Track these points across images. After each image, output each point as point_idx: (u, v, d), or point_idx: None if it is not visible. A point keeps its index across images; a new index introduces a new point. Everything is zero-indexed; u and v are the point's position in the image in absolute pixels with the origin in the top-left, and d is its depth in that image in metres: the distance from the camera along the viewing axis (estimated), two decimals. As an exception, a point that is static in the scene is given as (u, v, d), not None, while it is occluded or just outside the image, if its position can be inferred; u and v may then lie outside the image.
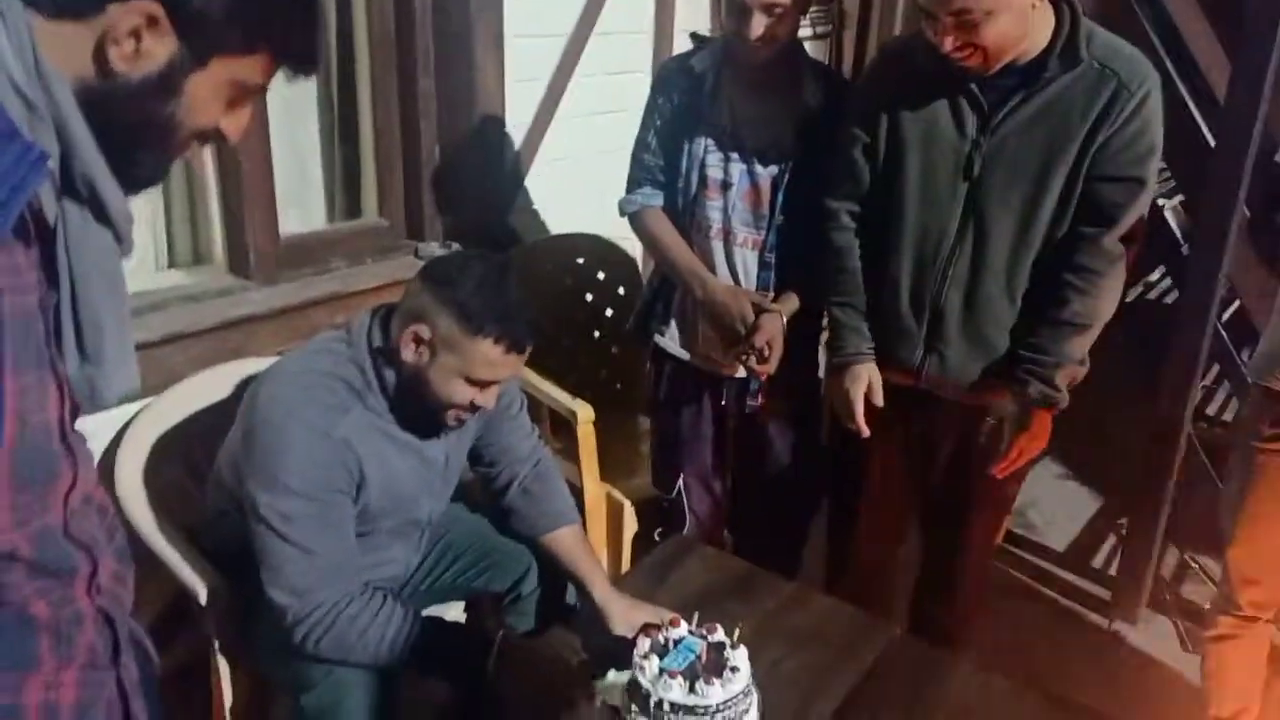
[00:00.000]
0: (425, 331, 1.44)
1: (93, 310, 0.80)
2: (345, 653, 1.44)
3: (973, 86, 1.59)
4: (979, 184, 1.62)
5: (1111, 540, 3.11)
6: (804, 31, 2.84)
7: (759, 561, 2.02)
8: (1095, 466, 3.46)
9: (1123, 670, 2.51)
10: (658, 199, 1.97)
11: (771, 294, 1.92)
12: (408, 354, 1.46)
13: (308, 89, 2.31)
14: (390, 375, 1.50)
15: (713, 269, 1.94)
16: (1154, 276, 3.10)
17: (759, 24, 1.72)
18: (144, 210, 2.07)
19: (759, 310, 1.85)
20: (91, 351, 0.82)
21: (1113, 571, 2.86)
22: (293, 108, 2.28)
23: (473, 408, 1.51)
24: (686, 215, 1.95)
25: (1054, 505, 3.32)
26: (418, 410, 1.53)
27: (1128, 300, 3.05)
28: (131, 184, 0.83)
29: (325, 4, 1.96)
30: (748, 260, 1.93)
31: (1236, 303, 2.98)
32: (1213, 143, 2.46)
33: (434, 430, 1.58)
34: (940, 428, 1.83)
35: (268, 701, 1.69)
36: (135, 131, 0.81)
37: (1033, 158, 1.58)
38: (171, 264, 2.17)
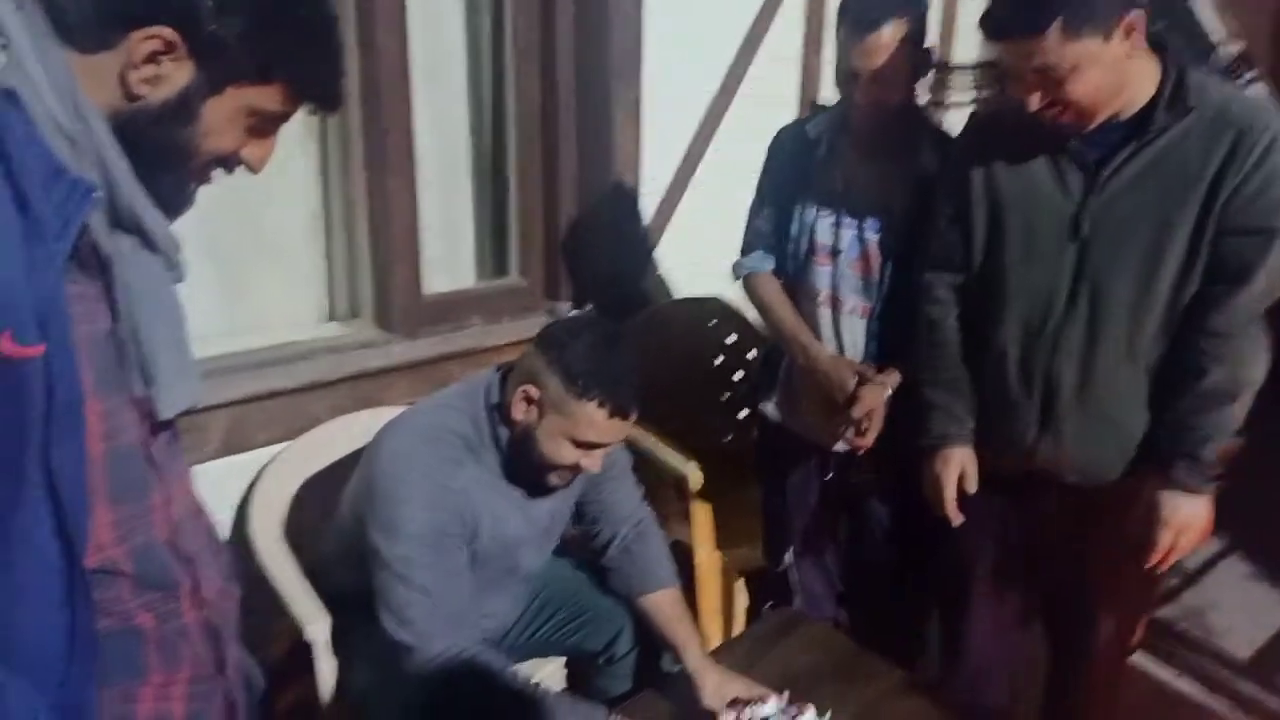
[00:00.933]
0: (535, 392, 1.50)
1: (149, 334, 0.87)
2: (458, 704, 1.47)
3: (1074, 143, 1.50)
4: (1089, 245, 1.51)
5: (1304, 651, 2.75)
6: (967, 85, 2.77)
7: (872, 644, 1.93)
8: (1288, 565, 3.09)
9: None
10: (769, 263, 1.96)
11: (875, 366, 1.86)
12: (518, 412, 1.53)
13: (461, 158, 2.46)
14: (504, 432, 1.56)
15: (819, 336, 1.90)
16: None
17: (866, 89, 1.70)
18: (306, 267, 2.26)
19: (861, 381, 1.79)
20: (148, 372, 0.88)
21: (1303, 687, 2.53)
22: (445, 175, 2.43)
23: (577, 469, 1.55)
24: (796, 281, 1.93)
25: (1238, 608, 2.98)
26: (526, 467, 1.57)
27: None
28: (160, 206, 0.88)
29: (347, 42, 2.06)
30: (855, 329, 1.88)
31: None
32: None
33: (541, 488, 1.62)
34: (1058, 516, 1.69)
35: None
36: (156, 155, 0.86)
37: (1148, 214, 1.47)
38: (332, 317, 2.34)
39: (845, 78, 1.73)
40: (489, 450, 1.57)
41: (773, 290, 1.94)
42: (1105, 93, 1.41)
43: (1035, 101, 1.41)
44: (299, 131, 2.16)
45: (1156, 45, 1.45)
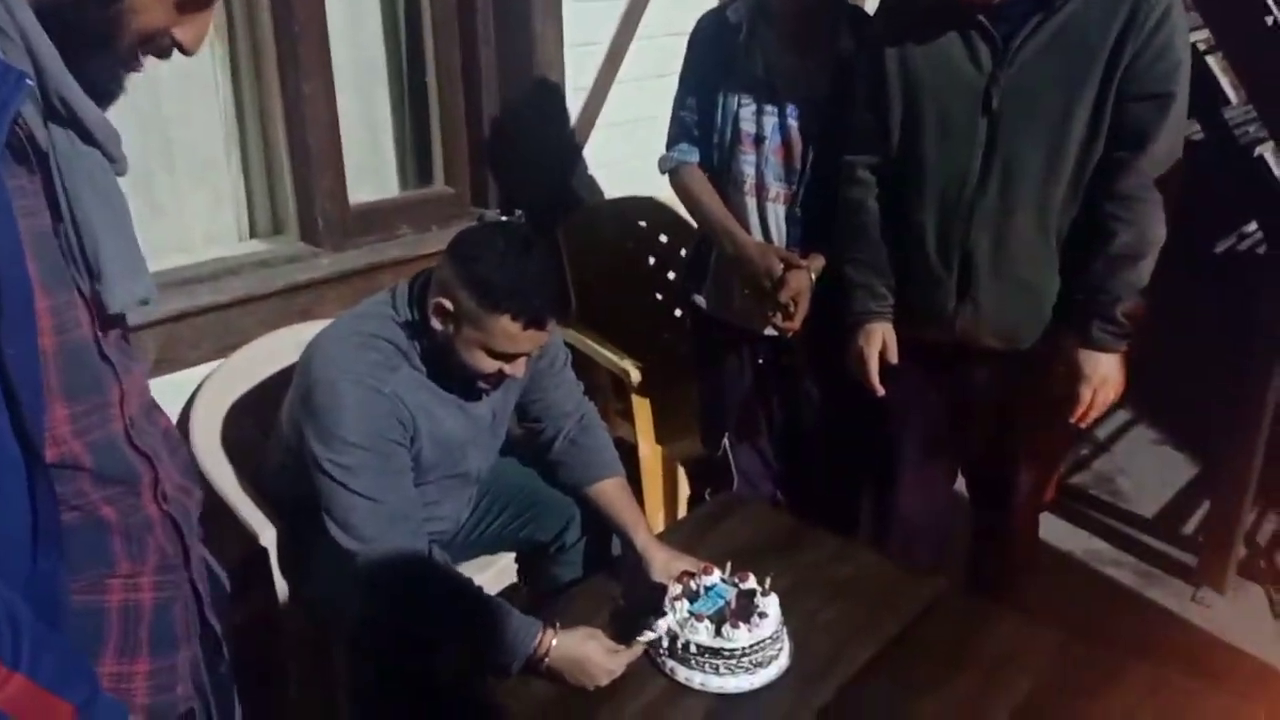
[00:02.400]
0: (448, 304, 1.49)
1: (92, 228, 0.86)
2: (410, 607, 1.52)
3: (982, 19, 1.55)
4: (999, 118, 1.57)
5: (1205, 508, 2.96)
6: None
7: (812, 520, 2.03)
8: (1191, 431, 3.30)
9: (1204, 638, 2.40)
10: (694, 155, 1.97)
11: (800, 251, 1.90)
12: (435, 324, 1.52)
13: (377, 63, 2.40)
14: (424, 343, 1.56)
15: (746, 226, 1.93)
16: (1250, 227, 2.92)
17: None
18: (227, 184, 2.20)
19: (787, 266, 1.84)
20: (94, 266, 0.87)
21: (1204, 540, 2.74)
22: (363, 81, 2.37)
23: (501, 375, 1.56)
24: (721, 171, 1.95)
25: (1145, 472, 3.19)
26: (455, 373, 1.58)
27: (1218, 251, 2.90)
28: (90, 96, 0.85)
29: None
30: (779, 216, 1.92)
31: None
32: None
33: (475, 392, 1.63)
34: (980, 381, 1.78)
35: (328, 644, 1.79)
36: (84, 39, 0.82)
37: (1054, 85, 1.53)
38: (253, 235, 2.29)
39: None
40: (416, 358, 1.57)
41: (699, 181, 1.96)
42: None
43: None
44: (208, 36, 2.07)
45: None
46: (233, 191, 2.23)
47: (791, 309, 1.83)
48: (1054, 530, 2.75)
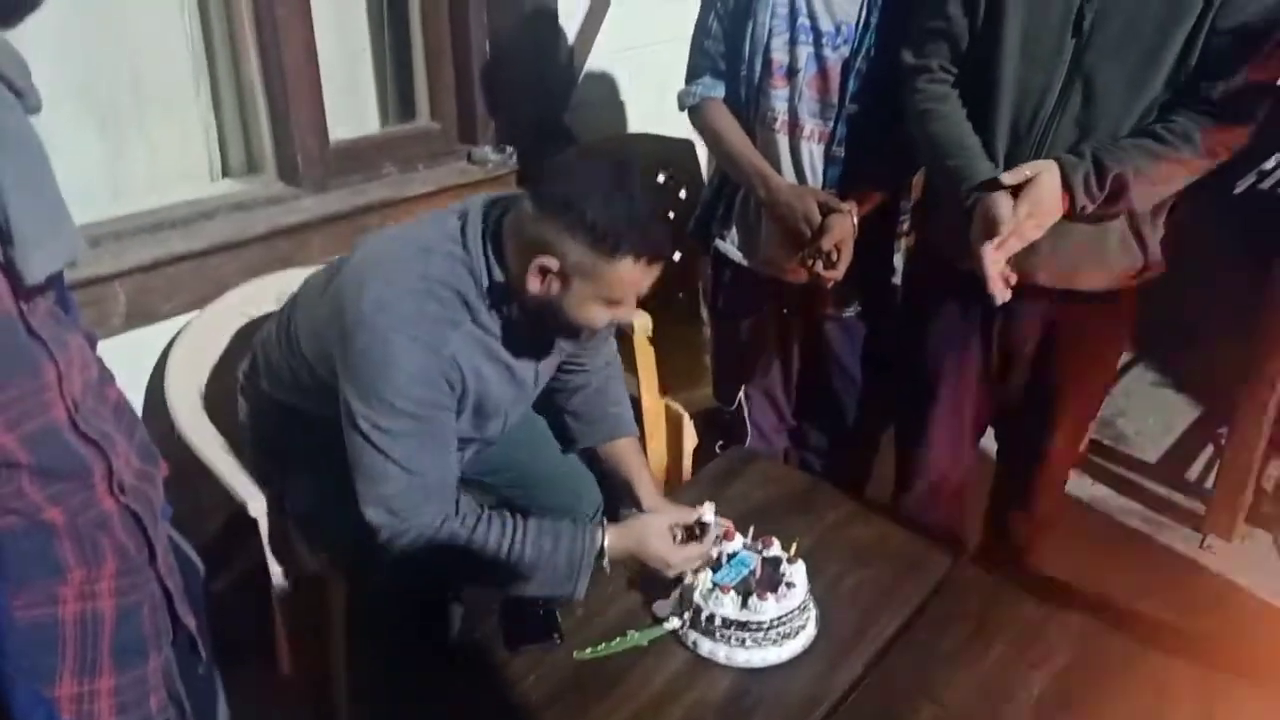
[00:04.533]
0: (553, 263, 1.30)
1: None
2: (448, 570, 1.41)
3: None
4: (1088, 42, 1.45)
5: (1209, 452, 2.93)
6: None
7: (824, 476, 1.95)
8: (1194, 372, 3.25)
9: (1213, 587, 2.38)
10: (719, 90, 1.82)
11: (838, 192, 1.77)
12: (534, 286, 1.33)
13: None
14: (511, 310, 1.39)
15: (777, 166, 1.79)
16: (1270, 164, 2.84)
17: None
18: (197, 120, 2.03)
19: (826, 210, 1.71)
20: (4, 230, 0.74)
21: (1209, 485, 2.70)
22: (340, 7, 2.19)
23: (611, 325, 1.42)
24: (750, 107, 1.80)
25: (1146, 414, 3.15)
26: (533, 334, 1.44)
27: (1237, 191, 2.80)
28: None
29: None
30: (815, 155, 1.78)
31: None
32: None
33: (534, 351, 1.49)
34: (1023, 323, 1.68)
35: (323, 607, 1.70)
36: None
37: (1150, 15, 1.42)
38: (226, 174, 2.14)
39: None
40: (487, 313, 1.38)
41: (725, 119, 1.81)
42: None
43: None
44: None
45: None
46: (203, 126, 2.06)
47: (835, 257, 1.71)
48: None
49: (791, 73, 1.74)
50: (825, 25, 1.70)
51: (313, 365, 1.47)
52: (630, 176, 1.32)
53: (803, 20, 1.71)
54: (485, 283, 1.37)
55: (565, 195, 1.29)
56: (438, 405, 1.36)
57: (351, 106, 2.28)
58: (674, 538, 1.45)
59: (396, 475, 1.33)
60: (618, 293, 1.33)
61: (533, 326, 1.41)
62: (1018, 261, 1.52)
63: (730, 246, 1.94)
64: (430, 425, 1.35)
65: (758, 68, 1.75)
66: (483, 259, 1.36)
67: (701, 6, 1.83)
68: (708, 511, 1.48)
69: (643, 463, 1.68)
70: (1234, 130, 1.46)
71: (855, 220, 1.73)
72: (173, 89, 1.98)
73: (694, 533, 1.47)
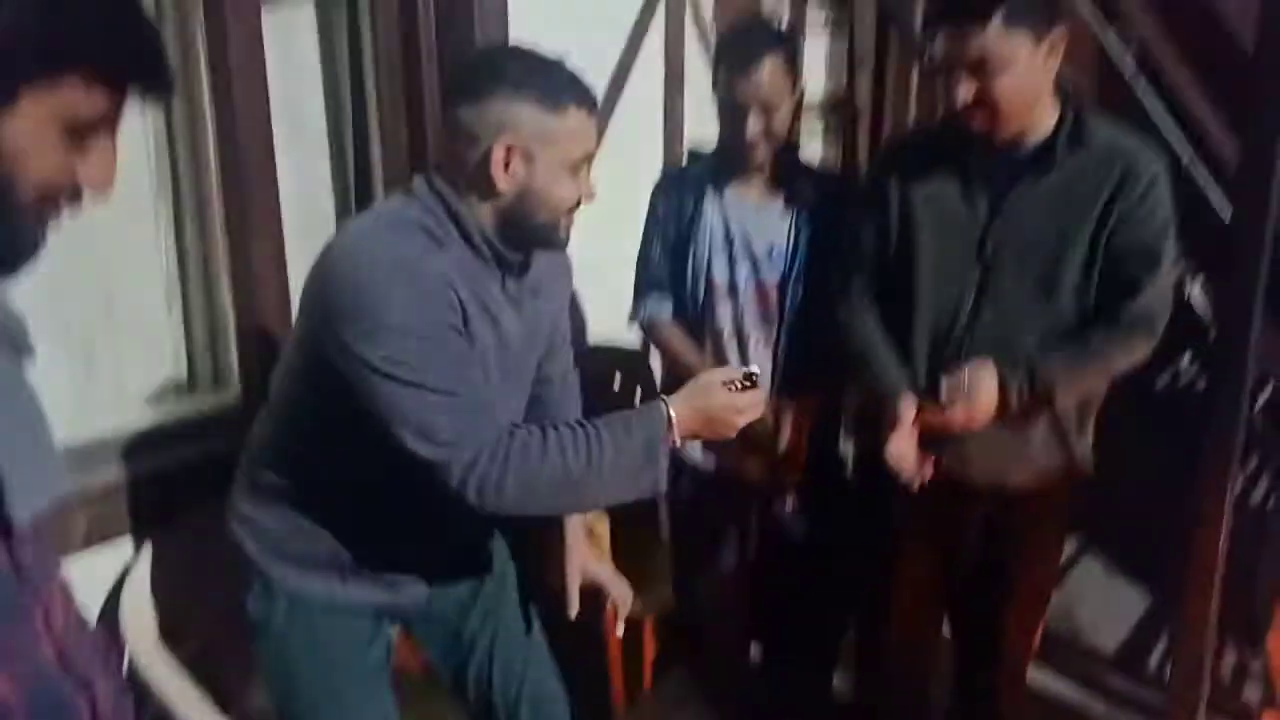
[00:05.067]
0: (513, 138, 1.29)
1: None
2: (532, 490, 1.27)
3: (981, 165, 1.61)
4: (992, 265, 1.62)
5: (1164, 643, 2.95)
6: (815, 126, 2.87)
7: (788, 665, 1.94)
8: (1142, 559, 3.31)
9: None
10: (666, 306, 1.97)
11: (788, 394, 1.90)
12: (502, 180, 1.30)
13: (326, 218, 2.35)
14: (486, 222, 1.34)
15: None
16: (1184, 364, 3.04)
17: (755, 124, 1.75)
18: (163, 336, 2.09)
19: (779, 414, 1.82)
20: None
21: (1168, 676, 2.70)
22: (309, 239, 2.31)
23: (578, 204, 1.38)
24: (698, 320, 1.95)
25: (1100, 603, 3.18)
26: (514, 246, 1.38)
27: (1157, 389, 2.98)
28: None
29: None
30: (763, 363, 1.92)
31: (1271, 386, 2.88)
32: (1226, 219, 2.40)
33: (514, 310, 1.43)
34: (967, 517, 1.78)
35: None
36: None
37: (1047, 237, 1.59)
38: (192, 388, 2.18)
39: (730, 110, 1.77)
40: (458, 245, 1.33)
41: (677, 336, 1.96)
42: (1025, 98, 1.51)
43: (964, 94, 1.48)
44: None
45: (1058, 87, 1.58)
46: (172, 345, 2.12)
47: (794, 459, 1.81)
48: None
49: (733, 290, 1.90)
50: (759, 248, 1.88)
51: (323, 369, 1.32)
52: (533, 49, 1.36)
53: (738, 243, 1.88)
54: (455, 223, 1.34)
55: (494, 73, 1.32)
56: (442, 323, 1.28)
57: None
58: (732, 388, 1.37)
59: (434, 400, 1.24)
60: (575, 150, 1.33)
61: (519, 237, 1.37)
62: (951, 462, 1.63)
63: (690, 451, 2.02)
64: (443, 344, 1.28)
65: (701, 286, 1.91)
66: (441, 203, 1.35)
67: (643, 234, 2.00)
68: (754, 365, 1.44)
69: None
70: (1142, 338, 1.60)
71: (807, 423, 1.83)
72: (143, 313, 2.05)
73: (745, 385, 1.39)
